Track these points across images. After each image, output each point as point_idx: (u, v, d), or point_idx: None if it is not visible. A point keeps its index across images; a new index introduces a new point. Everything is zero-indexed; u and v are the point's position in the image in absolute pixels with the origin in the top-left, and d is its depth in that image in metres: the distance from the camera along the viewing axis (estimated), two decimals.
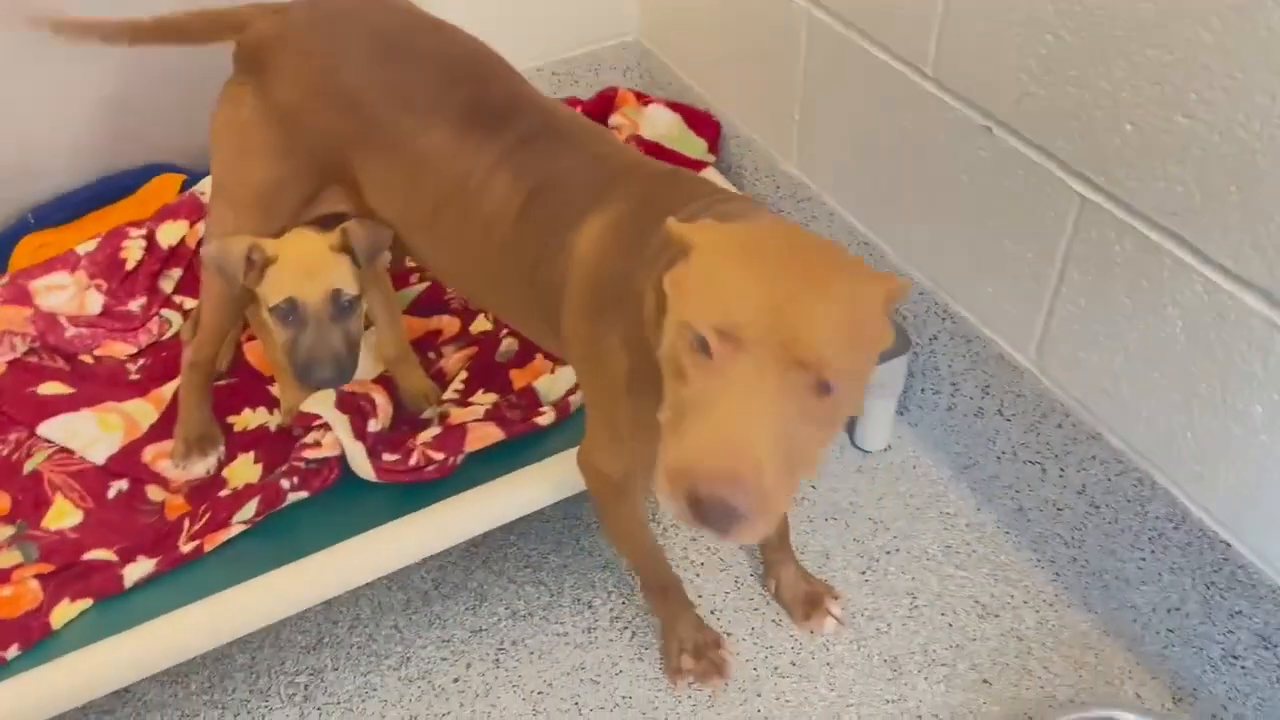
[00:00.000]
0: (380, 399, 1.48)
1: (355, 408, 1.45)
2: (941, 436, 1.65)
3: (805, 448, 0.82)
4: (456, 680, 1.45)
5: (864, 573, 1.54)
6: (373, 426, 1.46)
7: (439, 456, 1.41)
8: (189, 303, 1.70)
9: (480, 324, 1.67)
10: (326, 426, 1.42)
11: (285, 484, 1.38)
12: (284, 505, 1.38)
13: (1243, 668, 1.24)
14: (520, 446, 1.45)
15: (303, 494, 1.39)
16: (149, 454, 1.46)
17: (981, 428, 1.55)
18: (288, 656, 1.49)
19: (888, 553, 1.57)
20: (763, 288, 0.80)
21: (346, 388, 1.48)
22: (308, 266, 1.32)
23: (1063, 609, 1.48)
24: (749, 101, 1.85)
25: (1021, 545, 1.55)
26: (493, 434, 1.44)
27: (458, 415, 1.50)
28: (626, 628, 1.49)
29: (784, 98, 1.73)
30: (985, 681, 1.41)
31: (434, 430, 1.47)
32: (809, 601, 1.47)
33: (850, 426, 1.71)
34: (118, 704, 1.44)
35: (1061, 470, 1.42)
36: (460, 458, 1.42)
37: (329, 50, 1.30)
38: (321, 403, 1.45)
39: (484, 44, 1.33)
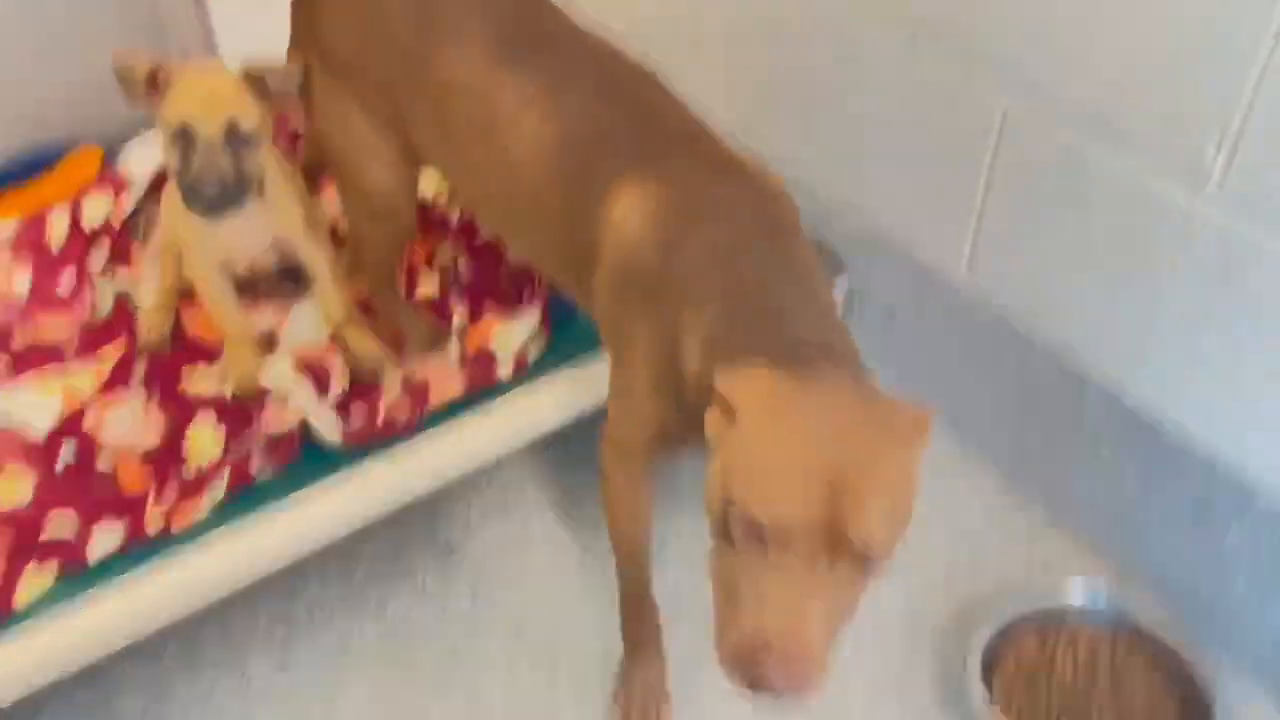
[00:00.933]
0: (336, 363, 1.48)
1: (314, 371, 1.45)
2: (878, 358, 1.72)
3: (848, 611, 0.89)
4: (435, 621, 1.47)
5: None
6: (334, 389, 1.46)
7: (403, 416, 1.42)
8: (120, 273, 1.65)
9: (427, 287, 1.67)
10: (284, 399, 1.42)
11: (254, 466, 1.37)
12: (254, 484, 1.37)
13: (1182, 538, 1.34)
14: (483, 396, 1.47)
15: (268, 474, 1.38)
16: (90, 419, 1.42)
17: (917, 344, 1.62)
18: (260, 614, 1.48)
19: None
20: (815, 482, 0.83)
21: (298, 355, 1.48)
22: (207, 93, 1.29)
23: (1008, 507, 1.56)
24: (674, 55, 1.88)
25: (967, 455, 1.63)
26: (453, 389, 1.46)
27: (419, 373, 1.51)
28: (602, 554, 1.52)
29: (710, 48, 1.77)
30: (943, 579, 1.49)
31: (396, 391, 1.47)
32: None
33: None
34: (82, 691, 1.40)
35: (998, 378, 1.50)
36: (423, 415, 1.43)
37: None
38: (279, 373, 1.44)
39: None
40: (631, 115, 1.16)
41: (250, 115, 1.30)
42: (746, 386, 0.90)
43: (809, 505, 0.83)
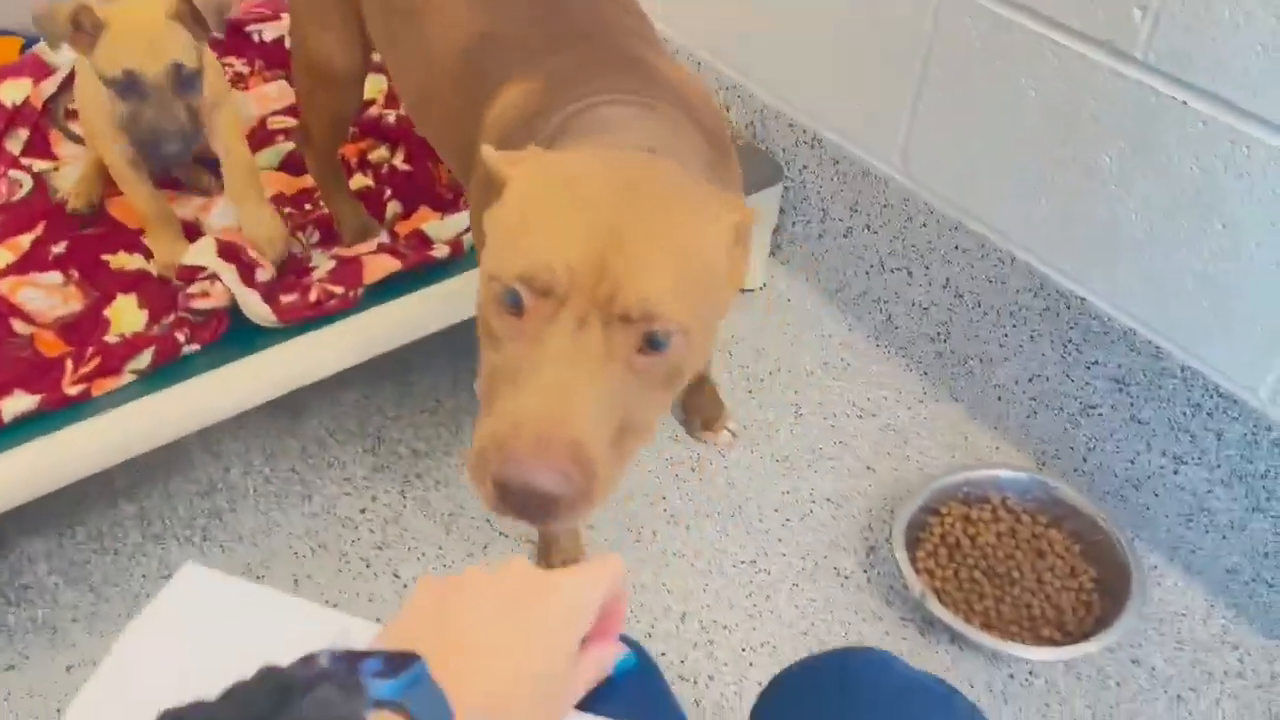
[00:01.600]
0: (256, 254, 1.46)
1: (238, 258, 1.42)
2: (812, 266, 1.75)
3: (637, 413, 0.73)
4: (364, 511, 1.45)
5: (750, 391, 1.62)
6: (261, 276, 1.43)
7: (339, 290, 1.40)
8: (38, 164, 1.61)
9: (360, 180, 1.66)
10: (212, 277, 1.39)
11: (180, 337, 1.34)
12: (180, 357, 1.34)
13: (1100, 415, 1.38)
14: (418, 281, 1.45)
15: (194, 348, 1.35)
16: (5, 286, 1.39)
17: (850, 247, 1.65)
18: (179, 503, 1.44)
19: (770, 373, 1.65)
20: (580, 231, 0.70)
21: (224, 238, 1.45)
22: (146, 36, 1.25)
23: (932, 403, 1.60)
24: None
25: (891, 353, 1.66)
26: (389, 264, 1.44)
27: (349, 251, 1.49)
28: None
29: None
30: (869, 468, 1.51)
31: (328, 265, 1.45)
32: (710, 417, 1.52)
33: None
34: None
35: (927, 269, 1.53)
36: (360, 290, 1.41)
37: None
38: (204, 254, 1.41)
39: None
40: (546, 14, 1.08)
41: (190, 54, 1.28)
42: (519, 158, 0.78)
43: (571, 255, 0.69)
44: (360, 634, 0.62)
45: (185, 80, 1.28)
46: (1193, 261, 1.21)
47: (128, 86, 1.25)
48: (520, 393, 0.69)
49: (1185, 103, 1.14)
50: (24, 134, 1.62)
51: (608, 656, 0.60)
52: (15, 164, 1.59)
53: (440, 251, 1.47)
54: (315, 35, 1.35)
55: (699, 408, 1.53)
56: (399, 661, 0.46)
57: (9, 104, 1.61)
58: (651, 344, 0.71)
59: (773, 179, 1.67)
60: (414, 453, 1.53)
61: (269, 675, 0.43)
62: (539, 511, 0.68)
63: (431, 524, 1.43)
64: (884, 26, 1.44)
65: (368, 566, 1.38)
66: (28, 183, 1.58)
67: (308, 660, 0.46)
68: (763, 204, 1.68)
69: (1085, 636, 1.27)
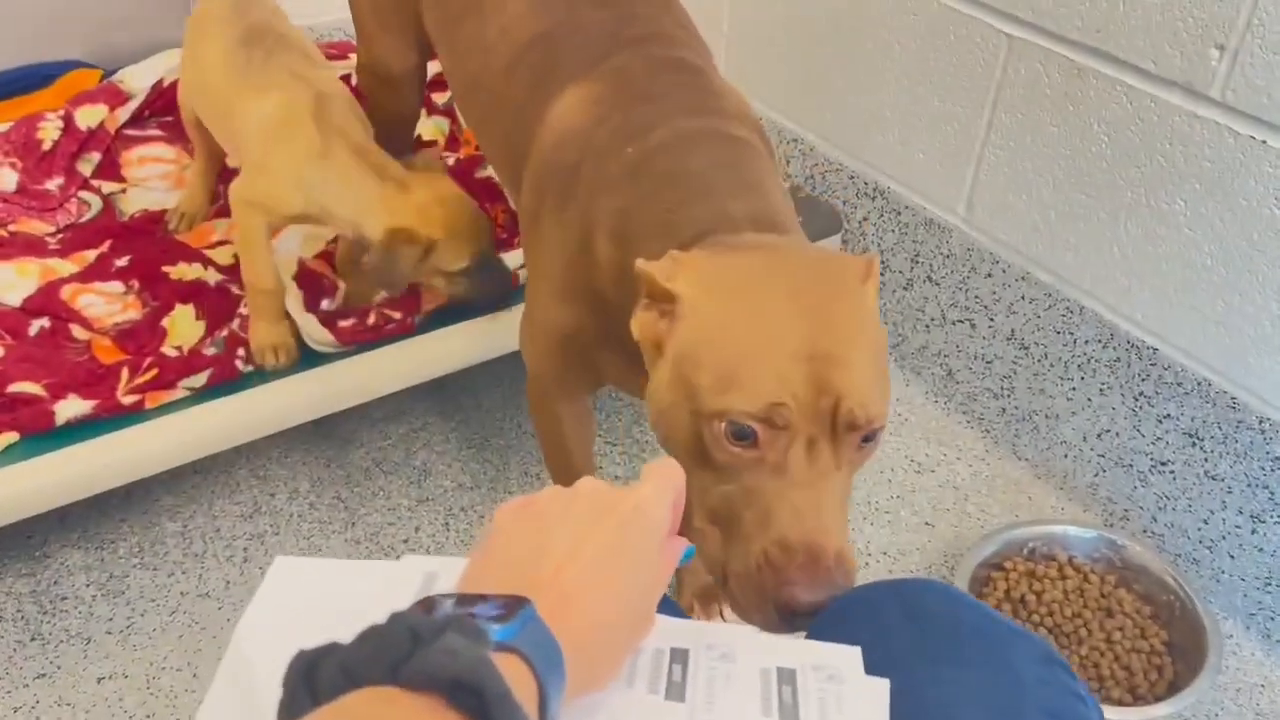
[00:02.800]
0: (341, 284, 1.48)
1: (315, 285, 1.45)
2: None
3: (850, 493, 0.78)
4: (406, 541, 1.41)
5: None
6: (326, 305, 1.44)
7: (396, 315, 1.41)
8: (107, 186, 1.64)
9: None
10: None
11: (238, 362, 1.34)
12: (238, 379, 1.34)
13: (1172, 472, 1.33)
14: (471, 312, 1.44)
15: (251, 368, 1.35)
16: (67, 292, 1.40)
17: (911, 299, 1.63)
18: (222, 524, 1.42)
19: None
20: (795, 358, 0.72)
21: (311, 264, 1.48)
22: (474, 218, 1.34)
23: (994, 461, 1.55)
24: None
25: (951, 409, 1.62)
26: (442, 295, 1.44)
27: None
28: None
29: (711, 9, 1.81)
30: (927, 524, 1.46)
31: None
32: (706, 593, 1.32)
33: None
34: (39, 567, 1.34)
35: (991, 320, 1.50)
36: (417, 317, 1.42)
37: None
38: (282, 269, 1.42)
39: None
40: (607, 18, 1.09)
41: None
42: (682, 270, 0.78)
43: (800, 385, 0.72)
44: (446, 576, 0.60)
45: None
46: (1271, 306, 1.17)
47: (478, 267, 1.34)
48: (776, 520, 0.72)
49: (1265, 142, 1.12)
50: (96, 157, 1.65)
51: (678, 554, 0.60)
52: (86, 185, 1.63)
53: None
54: (376, 36, 1.41)
55: (696, 570, 1.31)
56: (511, 604, 0.47)
57: (84, 128, 1.65)
58: (865, 440, 0.76)
59: (831, 229, 1.66)
60: (459, 486, 1.50)
61: (399, 619, 0.44)
62: (812, 619, 0.69)
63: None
64: (951, 75, 1.45)
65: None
66: (97, 204, 1.61)
67: (429, 606, 0.47)
68: None
69: (1157, 701, 1.20)
